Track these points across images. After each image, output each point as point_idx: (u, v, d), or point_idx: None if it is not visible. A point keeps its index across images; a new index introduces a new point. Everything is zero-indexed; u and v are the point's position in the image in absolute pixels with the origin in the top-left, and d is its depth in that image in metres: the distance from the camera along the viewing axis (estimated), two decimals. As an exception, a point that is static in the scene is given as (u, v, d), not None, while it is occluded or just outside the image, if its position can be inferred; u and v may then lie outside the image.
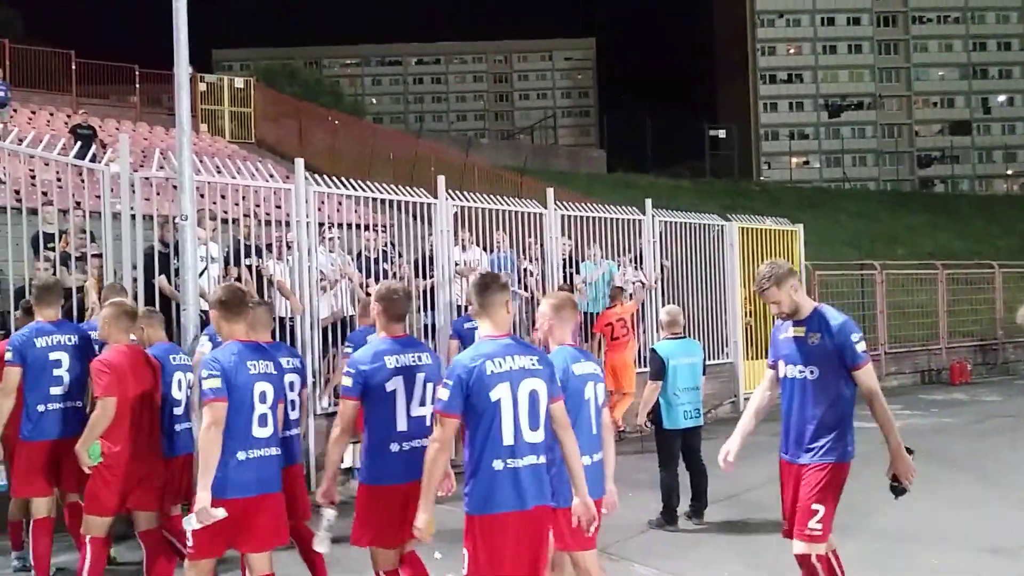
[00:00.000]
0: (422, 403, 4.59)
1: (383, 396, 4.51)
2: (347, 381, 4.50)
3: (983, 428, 12.19)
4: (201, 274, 8.12)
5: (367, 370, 4.50)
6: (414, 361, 4.62)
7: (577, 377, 4.42)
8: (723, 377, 14.07)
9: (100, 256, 7.90)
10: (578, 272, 12.25)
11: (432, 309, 10.25)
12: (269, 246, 9.11)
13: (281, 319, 8.77)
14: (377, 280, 9.79)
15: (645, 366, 9.15)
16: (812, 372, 4.69)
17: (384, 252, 10.18)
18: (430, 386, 4.58)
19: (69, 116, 22.05)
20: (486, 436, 3.91)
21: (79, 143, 8.79)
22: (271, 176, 9.11)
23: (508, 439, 3.91)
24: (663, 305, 10.94)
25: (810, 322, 4.72)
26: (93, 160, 8.05)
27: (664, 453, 7.46)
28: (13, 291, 8.20)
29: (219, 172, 8.61)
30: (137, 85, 26.78)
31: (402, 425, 4.54)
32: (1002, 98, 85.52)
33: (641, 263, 13.09)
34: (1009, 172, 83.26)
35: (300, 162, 9.16)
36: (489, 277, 4.23)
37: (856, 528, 7.17)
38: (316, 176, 9.96)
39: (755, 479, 9.12)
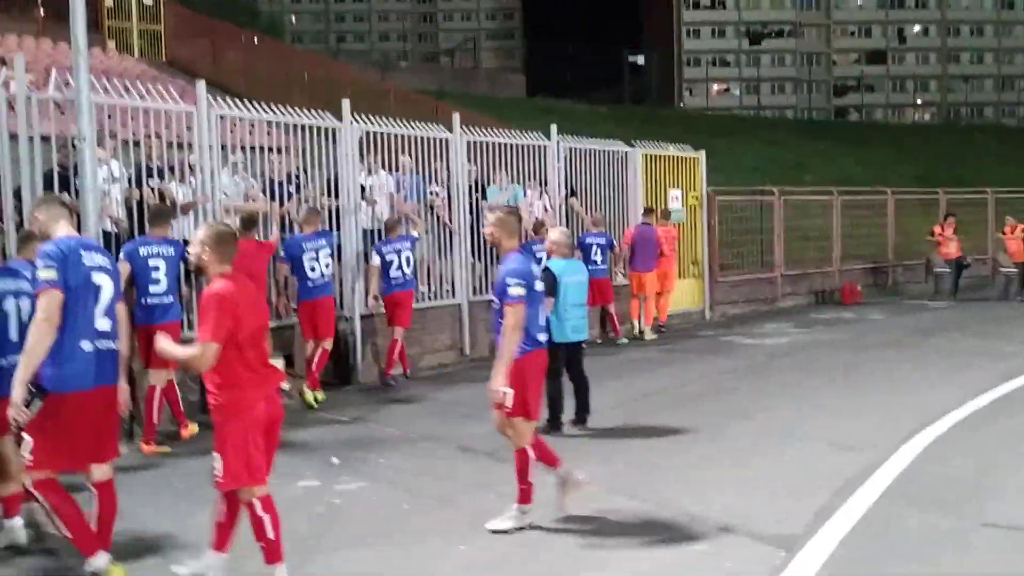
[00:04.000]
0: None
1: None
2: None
3: (860, 343, 13.03)
4: (104, 195, 8.26)
5: None
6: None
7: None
8: (623, 298, 14.65)
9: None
10: (484, 197, 12.59)
11: (339, 231, 10.49)
12: (172, 168, 9.20)
13: (186, 241, 8.96)
14: (282, 203, 10.00)
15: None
16: None
17: (289, 175, 10.34)
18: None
19: (-32, 32, 21.23)
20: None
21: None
22: (170, 98, 9.14)
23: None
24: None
25: None
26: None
27: (551, 365, 7.90)
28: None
29: (124, 93, 8.63)
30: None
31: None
32: (917, 28, 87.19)
33: (546, 188, 13.48)
34: (919, 101, 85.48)
35: (201, 84, 9.25)
36: None
37: (724, 430, 7.84)
38: (227, 98, 10.07)
39: (637, 391, 9.80)
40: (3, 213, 7.79)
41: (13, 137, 7.79)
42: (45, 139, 8.16)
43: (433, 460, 7.26)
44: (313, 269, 9.51)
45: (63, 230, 4.75)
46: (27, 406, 4.37)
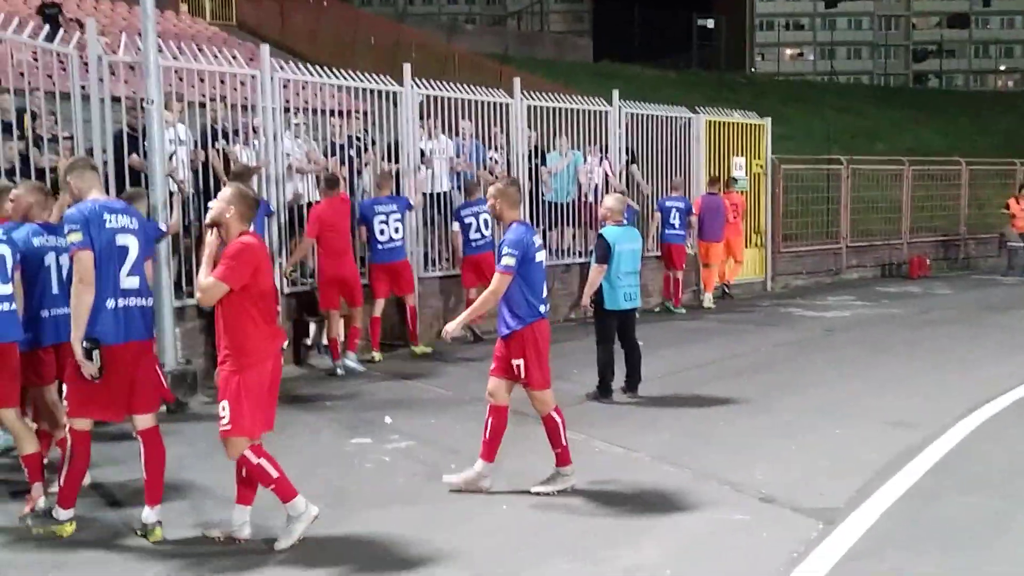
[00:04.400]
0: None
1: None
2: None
3: (924, 318, 12.80)
4: (171, 157, 8.50)
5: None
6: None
7: (36, 248, 5.45)
8: (687, 267, 14.58)
9: (71, 138, 8.21)
10: (544, 163, 12.60)
11: (398, 193, 10.63)
12: (236, 131, 9.41)
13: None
14: (343, 165, 10.17)
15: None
16: None
17: (351, 138, 10.49)
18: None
19: (46, -7, 21.81)
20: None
21: (48, 25, 8.95)
22: (236, 62, 9.32)
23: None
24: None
25: None
26: (59, 33, 8.23)
27: (602, 332, 8.01)
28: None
29: (192, 57, 8.84)
30: (114, -38, 26.29)
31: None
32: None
33: (607, 154, 13.43)
34: (1002, 68, 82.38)
35: (265, 48, 9.42)
36: None
37: (775, 403, 7.82)
38: (291, 62, 10.27)
39: (690, 361, 9.80)
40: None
41: (86, 98, 8.04)
42: (117, 100, 8.42)
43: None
44: (382, 232, 9.75)
45: (93, 195, 4.98)
46: (89, 359, 4.62)
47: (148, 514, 4.84)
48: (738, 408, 7.70)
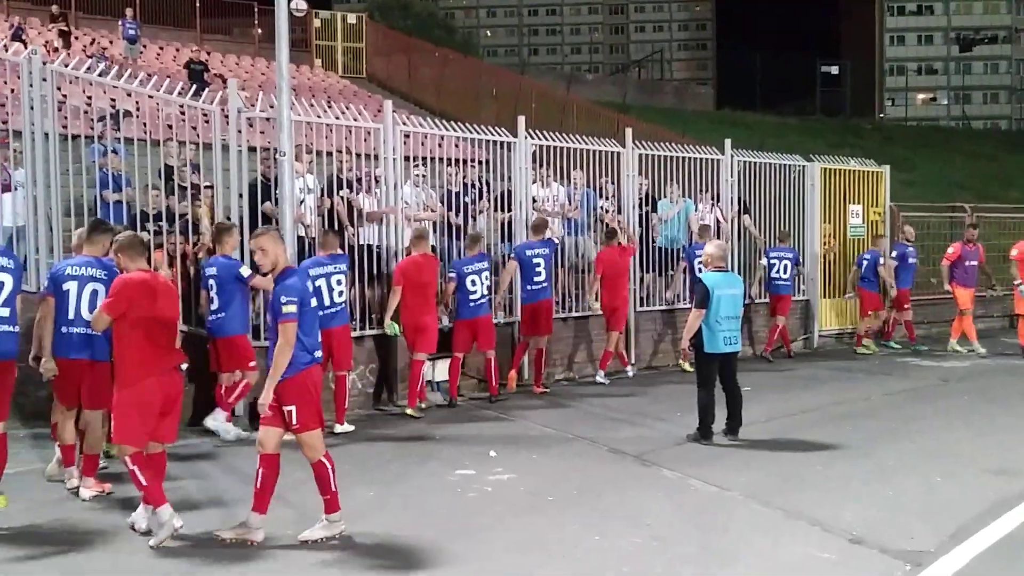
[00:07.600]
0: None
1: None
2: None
3: (1047, 369, 12.39)
4: (300, 203, 9.19)
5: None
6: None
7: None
8: (798, 314, 14.54)
9: (212, 187, 8.99)
10: (655, 210, 12.85)
11: (510, 241, 11.08)
12: (360, 180, 10.05)
13: (368, 247, 9.80)
14: (458, 212, 10.70)
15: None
16: None
17: (466, 186, 11.02)
18: None
19: (195, 50, 23.58)
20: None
21: (193, 80, 9.85)
22: (363, 115, 10.00)
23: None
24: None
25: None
26: (204, 89, 9.04)
27: (702, 375, 8.17)
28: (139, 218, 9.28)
29: (321, 112, 9.56)
30: (256, 21, 28.17)
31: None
32: None
33: (719, 202, 13.58)
34: None
35: (388, 104, 10.07)
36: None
37: (876, 449, 7.82)
38: (413, 117, 10.89)
39: (796, 406, 9.82)
40: (213, 214, 8.83)
41: (225, 148, 8.79)
42: (253, 150, 9.17)
43: (583, 459, 7.66)
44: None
45: None
46: None
47: None
48: (837, 452, 7.73)
